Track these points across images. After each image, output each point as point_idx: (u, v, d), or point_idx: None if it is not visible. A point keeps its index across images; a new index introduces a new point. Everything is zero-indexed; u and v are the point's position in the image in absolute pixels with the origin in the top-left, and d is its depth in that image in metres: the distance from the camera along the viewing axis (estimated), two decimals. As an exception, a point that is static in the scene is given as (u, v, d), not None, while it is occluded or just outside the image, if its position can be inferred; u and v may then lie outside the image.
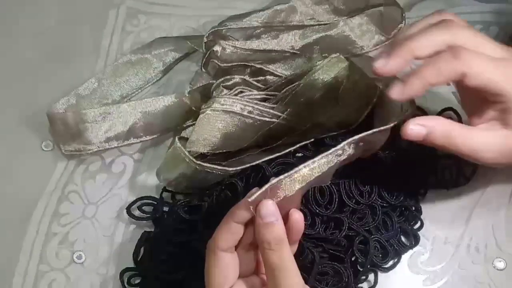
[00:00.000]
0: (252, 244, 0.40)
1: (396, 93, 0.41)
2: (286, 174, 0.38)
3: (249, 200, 0.37)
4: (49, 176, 0.56)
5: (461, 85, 0.42)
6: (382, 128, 0.44)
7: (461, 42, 0.41)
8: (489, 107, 0.43)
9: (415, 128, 0.41)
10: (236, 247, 0.39)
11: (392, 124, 0.44)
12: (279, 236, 0.37)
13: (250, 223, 0.39)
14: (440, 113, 0.54)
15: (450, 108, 0.54)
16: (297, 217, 0.39)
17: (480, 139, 0.42)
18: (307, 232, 0.46)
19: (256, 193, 0.37)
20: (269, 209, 0.37)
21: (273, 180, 0.38)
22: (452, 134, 0.41)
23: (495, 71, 0.40)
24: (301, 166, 0.39)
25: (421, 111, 0.55)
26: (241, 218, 0.38)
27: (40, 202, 0.55)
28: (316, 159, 0.40)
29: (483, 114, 0.43)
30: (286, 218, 0.39)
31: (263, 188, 0.37)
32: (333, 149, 0.41)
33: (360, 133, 0.42)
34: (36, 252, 0.53)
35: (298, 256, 0.39)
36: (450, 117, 0.54)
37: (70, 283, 0.52)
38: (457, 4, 0.61)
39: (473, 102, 0.44)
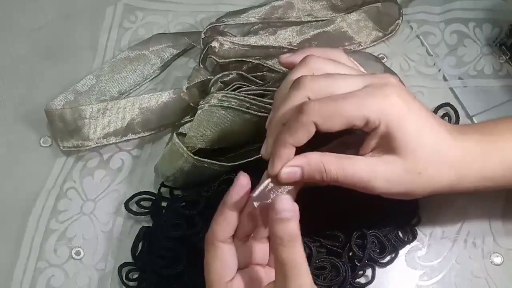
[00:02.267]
0: (248, 236, 0.40)
1: (263, 152, 0.41)
2: None
3: (253, 195, 0.38)
4: (48, 172, 0.56)
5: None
6: None
7: (317, 86, 0.39)
8: (368, 137, 0.40)
9: (287, 171, 0.39)
10: (235, 239, 0.39)
11: None
12: (293, 232, 0.36)
13: (246, 214, 0.39)
14: (437, 109, 0.54)
15: (447, 104, 0.55)
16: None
17: (365, 167, 0.39)
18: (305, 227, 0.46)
19: (259, 188, 0.37)
20: (285, 204, 0.36)
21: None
22: (332, 167, 0.39)
23: (352, 105, 0.38)
24: None
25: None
26: (235, 206, 0.38)
27: (38, 199, 0.55)
28: None
29: (365, 146, 0.40)
30: None
31: (265, 182, 0.38)
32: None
33: None
34: (35, 249, 0.53)
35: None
36: (446, 113, 0.54)
37: (69, 279, 0.52)
38: (451, 0, 0.61)
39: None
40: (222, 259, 0.38)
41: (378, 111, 0.38)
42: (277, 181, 0.39)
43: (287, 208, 0.36)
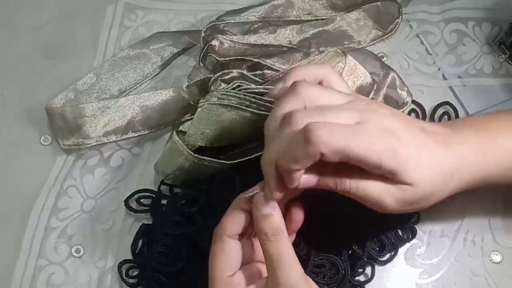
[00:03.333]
0: (251, 233, 0.41)
1: (269, 197, 0.38)
2: None
3: (245, 196, 0.38)
4: (48, 170, 0.56)
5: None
6: None
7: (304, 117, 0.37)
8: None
9: (305, 177, 0.38)
10: (240, 236, 0.40)
11: None
12: (276, 227, 0.37)
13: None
14: (437, 107, 0.55)
15: (447, 103, 0.55)
16: (297, 208, 0.40)
17: (378, 185, 0.38)
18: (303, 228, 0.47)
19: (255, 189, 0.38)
20: (264, 201, 0.38)
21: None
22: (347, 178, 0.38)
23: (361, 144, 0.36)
24: None
25: (417, 105, 0.55)
26: (246, 206, 0.39)
27: (39, 197, 0.55)
28: None
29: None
30: (286, 208, 0.40)
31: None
32: None
33: None
34: (35, 247, 0.53)
35: (294, 248, 0.39)
36: (446, 112, 0.54)
37: (69, 277, 0.52)
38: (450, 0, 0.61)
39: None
40: (228, 253, 0.39)
41: (382, 152, 0.37)
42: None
43: (270, 204, 0.37)
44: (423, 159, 0.39)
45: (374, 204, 0.39)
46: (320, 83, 0.41)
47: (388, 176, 0.38)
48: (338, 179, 0.38)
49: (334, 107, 0.39)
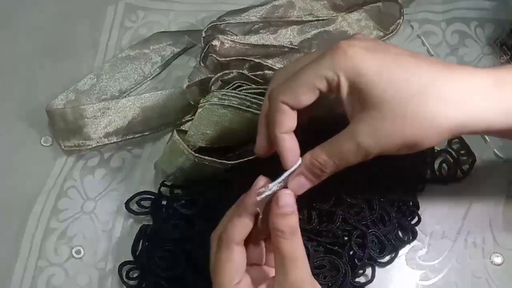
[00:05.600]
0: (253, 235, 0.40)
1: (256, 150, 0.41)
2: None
3: (257, 198, 0.37)
4: (48, 171, 0.56)
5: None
6: None
7: None
8: (342, 102, 0.39)
9: (296, 183, 0.39)
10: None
11: None
12: (294, 225, 0.37)
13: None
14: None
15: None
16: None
17: (347, 136, 0.38)
18: (303, 227, 0.46)
19: (272, 187, 0.37)
20: (287, 199, 0.38)
21: (286, 173, 0.38)
22: (323, 156, 0.38)
23: (308, 71, 0.38)
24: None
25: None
26: (254, 210, 0.38)
27: (39, 198, 0.55)
28: None
29: (348, 114, 0.39)
30: None
31: (280, 179, 0.38)
32: None
33: None
34: (35, 248, 0.53)
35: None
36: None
37: (69, 278, 0.52)
38: (453, 0, 0.61)
39: None
40: (235, 261, 0.38)
41: (331, 66, 0.36)
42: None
43: (289, 203, 0.37)
44: (396, 72, 0.36)
45: (357, 155, 0.37)
46: None
47: (352, 94, 0.37)
48: (318, 164, 0.38)
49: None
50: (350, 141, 0.37)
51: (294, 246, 0.37)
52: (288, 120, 0.38)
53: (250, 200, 0.38)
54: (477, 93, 0.36)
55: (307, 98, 0.38)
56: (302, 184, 0.39)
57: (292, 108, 0.38)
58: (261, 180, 0.39)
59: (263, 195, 0.37)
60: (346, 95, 0.37)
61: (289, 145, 0.39)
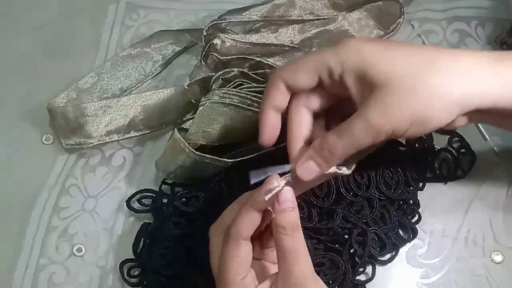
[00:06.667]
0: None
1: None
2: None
3: (266, 197, 0.37)
4: (50, 169, 0.56)
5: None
6: None
7: None
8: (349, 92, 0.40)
9: (304, 166, 0.39)
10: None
11: None
12: (295, 221, 0.38)
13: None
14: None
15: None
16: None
17: (357, 119, 0.38)
18: (303, 225, 0.47)
19: (280, 184, 0.38)
20: (288, 196, 0.38)
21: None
22: (337, 142, 0.38)
23: (311, 58, 0.40)
24: None
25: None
26: (263, 207, 0.38)
27: (40, 196, 0.55)
28: None
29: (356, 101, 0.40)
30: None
31: (286, 176, 0.38)
32: None
33: None
34: (36, 246, 0.53)
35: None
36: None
37: (70, 276, 0.52)
38: (454, -1, 0.61)
39: None
40: (242, 257, 0.38)
41: (334, 55, 0.38)
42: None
43: (290, 199, 0.38)
44: (394, 50, 0.38)
45: (369, 135, 0.37)
46: None
47: (358, 83, 0.38)
48: (328, 149, 0.38)
49: None
50: (361, 119, 0.37)
51: (296, 242, 0.38)
52: (279, 96, 0.40)
53: (258, 197, 0.38)
54: (479, 64, 0.37)
55: (305, 79, 0.39)
56: (311, 169, 0.39)
57: (288, 87, 0.40)
58: (273, 178, 0.39)
59: (273, 193, 0.38)
60: (352, 83, 0.38)
61: (271, 121, 0.41)
